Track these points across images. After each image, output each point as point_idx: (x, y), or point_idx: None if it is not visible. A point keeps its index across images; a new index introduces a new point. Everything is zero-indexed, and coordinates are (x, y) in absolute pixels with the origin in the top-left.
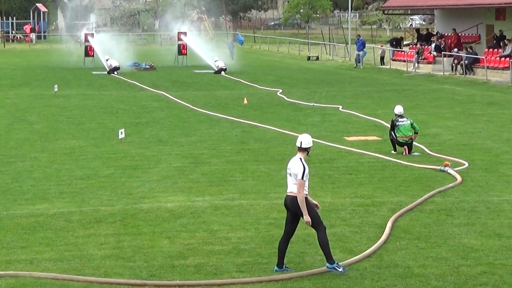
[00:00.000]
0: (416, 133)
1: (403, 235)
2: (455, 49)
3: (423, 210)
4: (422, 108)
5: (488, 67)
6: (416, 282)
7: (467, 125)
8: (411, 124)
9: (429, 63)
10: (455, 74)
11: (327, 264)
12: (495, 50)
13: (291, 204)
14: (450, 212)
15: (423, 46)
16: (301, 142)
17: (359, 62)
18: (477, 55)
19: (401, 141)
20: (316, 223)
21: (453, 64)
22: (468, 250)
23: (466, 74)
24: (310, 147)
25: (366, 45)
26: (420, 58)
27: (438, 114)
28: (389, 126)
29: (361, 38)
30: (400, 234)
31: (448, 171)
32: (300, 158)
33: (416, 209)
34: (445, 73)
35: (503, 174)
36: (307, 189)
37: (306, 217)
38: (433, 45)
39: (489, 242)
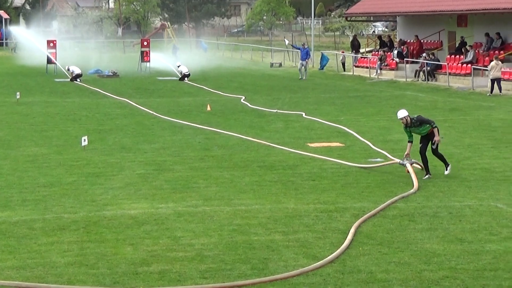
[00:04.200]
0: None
1: (366, 241)
2: (423, 54)
3: (386, 215)
4: (385, 114)
5: (450, 74)
6: (379, 287)
7: None
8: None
9: (392, 69)
10: (418, 80)
11: None
12: (457, 56)
13: None
14: (412, 218)
15: (385, 53)
16: None
17: (305, 71)
18: (439, 61)
19: None
20: None
21: (417, 70)
22: (430, 255)
23: (428, 80)
24: None
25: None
26: (383, 64)
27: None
28: (351, 132)
29: (306, 47)
30: (363, 240)
31: (406, 165)
32: None
33: (379, 214)
34: (407, 80)
35: (464, 179)
36: None
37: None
38: (395, 51)
39: (451, 247)
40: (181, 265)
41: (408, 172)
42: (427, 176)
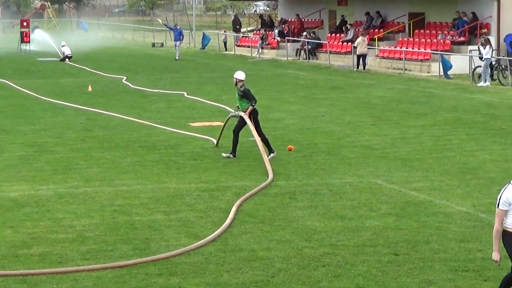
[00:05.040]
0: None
1: (247, 219)
2: (304, 33)
3: (267, 194)
4: (266, 92)
5: (330, 52)
6: (261, 265)
7: (310, 109)
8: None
9: (273, 48)
10: (299, 59)
11: None
12: (338, 35)
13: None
14: (293, 195)
15: (267, 32)
16: None
17: (177, 51)
18: (320, 40)
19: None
20: None
21: (298, 49)
22: (311, 232)
23: (309, 59)
24: None
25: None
26: (264, 43)
27: (282, 99)
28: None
29: (178, 28)
30: (244, 218)
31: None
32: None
33: (261, 193)
34: (289, 58)
35: (345, 157)
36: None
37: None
38: (276, 30)
39: (332, 223)
40: (62, 247)
41: (290, 150)
42: (271, 155)
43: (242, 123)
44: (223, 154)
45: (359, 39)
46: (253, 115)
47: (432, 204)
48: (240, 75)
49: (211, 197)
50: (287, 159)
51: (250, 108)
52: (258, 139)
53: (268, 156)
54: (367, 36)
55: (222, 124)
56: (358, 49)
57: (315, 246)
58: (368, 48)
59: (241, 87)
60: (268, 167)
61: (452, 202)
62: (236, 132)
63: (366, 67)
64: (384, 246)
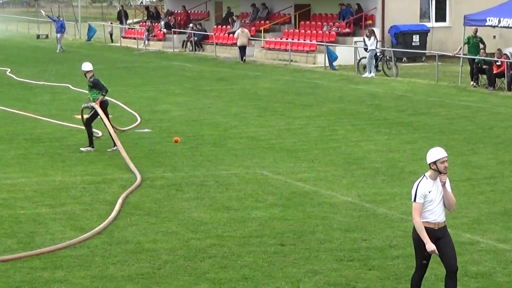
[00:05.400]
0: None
1: (133, 211)
2: (190, 25)
3: (154, 185)
4: (153, 84)
5: (217, 44)
6: (147, 257)
7: (196, 101)
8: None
9: (160, 40)
10: (185, 50)
11: None
12: (224, 26)
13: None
14: (180, 187)
15: (153, 24)
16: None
17: (58, 44)
18: (206, 31)
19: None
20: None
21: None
22: (197, 223)
23: (195, 50)
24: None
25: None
26: (150, 35)
27: (168, 91)
28: (119, 103)
29: (61, 20)
30: (130, 210)
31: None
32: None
33: (147, 185)
34: (175, 50)
35: (231, 148)
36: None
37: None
38: (162, 22)
39: (218, 215)
40: None
41: (176, 141)
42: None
43: (94, 114)
44: (82, 149)
45: (238, 31)
46: (103, 106)
47: (317, 195)
48: (86, 66)
49: (96, 189)
50: (173, 151)
51: (101, 97)
52: (110, 129)
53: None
54: (252, 28)
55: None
56: (238, 40)
57: (201, 238)
58: (254, 40)
59: (90, 77)
60: (131, 166)
61: (337, 192)
62: (89, 123)
63: (253, 59)
64: (270, 236)
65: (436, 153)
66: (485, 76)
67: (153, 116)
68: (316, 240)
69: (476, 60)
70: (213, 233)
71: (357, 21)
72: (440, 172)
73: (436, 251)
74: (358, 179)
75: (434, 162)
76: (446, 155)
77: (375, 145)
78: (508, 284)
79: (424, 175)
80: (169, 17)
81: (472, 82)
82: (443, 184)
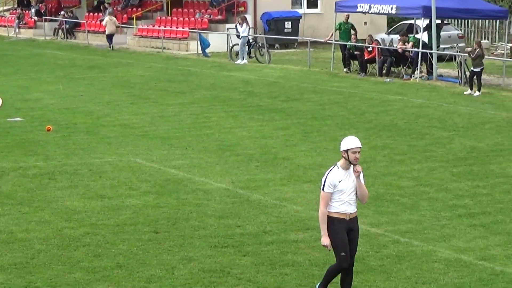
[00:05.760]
0: None
1: (6, 201)
2: (62, 12)
3: (26, 175)
4: (24, 73)
5: (89, 31)
6: (20, 246)
7: (69, 89)
8: None
9: (30, 28)
10: (57, 38)
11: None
12: (95, 14)
13: None
14: (53, 176)
15: (23, 11)
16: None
17: None
18: (78, 19)
19: None
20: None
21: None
22: (71, 212)
23: (67, 38)
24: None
25: None
26: (21, 23)
27: (40, 79)
28: None
29: None
30: (3, 200)
31: None
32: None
33: (19, 174)
34: (46, 38)
35: (104, 136)
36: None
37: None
38: (33, 10)
39: (92, 203)
40: None
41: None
42: None
43: None
44: None
45: (107, 19)
46: None
47: (191, 182)
48: None
49: None
50: (45, 139)
51: None
52: None
53: None
54: (124, 15)
55: None
56: (106, 28)
57: (75, 226)
58: (126, 27)
59: None
60: None
61: (211, 179)
62: None
63: (125, 46)
64: (145, 224)
65: (349, 142)
66: (356, 62)
67: (25, 104)
68: (190, 227)
69: (347, 46)
70: (87, 221)
71: (229, 8)
72: (350, 163)
73: (329, 247)
74: (232, 165)
75: (346, 151)
76: (360, 145)
77: (248, 131)
78: (381, 267)
79: (336, 164)
80: (40, 5)
81: (344, 68)
82: (357, 176)
